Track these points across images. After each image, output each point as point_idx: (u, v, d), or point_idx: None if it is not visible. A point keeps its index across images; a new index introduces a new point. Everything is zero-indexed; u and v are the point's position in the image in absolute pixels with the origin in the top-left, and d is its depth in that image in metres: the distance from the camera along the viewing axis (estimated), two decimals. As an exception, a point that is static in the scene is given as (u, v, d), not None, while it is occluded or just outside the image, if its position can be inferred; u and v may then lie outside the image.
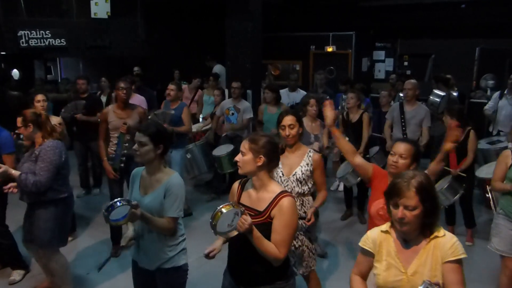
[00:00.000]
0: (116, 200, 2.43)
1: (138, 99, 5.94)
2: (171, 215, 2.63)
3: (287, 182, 3.27)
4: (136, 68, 8.68)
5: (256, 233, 2.23)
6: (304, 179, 3.29)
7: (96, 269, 4.51)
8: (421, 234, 2.04)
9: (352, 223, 5.71)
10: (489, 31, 9.73)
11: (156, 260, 2.72)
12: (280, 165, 3.20)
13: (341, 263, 4.70)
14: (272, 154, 2.38)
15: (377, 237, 2.16)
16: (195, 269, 4.38)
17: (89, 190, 6.71)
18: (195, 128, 6.70)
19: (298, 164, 3.28)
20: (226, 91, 6.93)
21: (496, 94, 6.91)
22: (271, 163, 2.39)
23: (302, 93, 7.13)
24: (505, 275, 3.59)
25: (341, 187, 6.59)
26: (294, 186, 3.28)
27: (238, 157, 2.39)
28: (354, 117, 5.59)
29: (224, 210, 2.16)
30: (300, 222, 3.19)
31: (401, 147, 2.76)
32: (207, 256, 2.48)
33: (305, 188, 3.31)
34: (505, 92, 6.68)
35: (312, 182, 3.36)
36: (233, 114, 6.20)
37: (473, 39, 10.01)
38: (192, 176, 6.36)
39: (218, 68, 9.33)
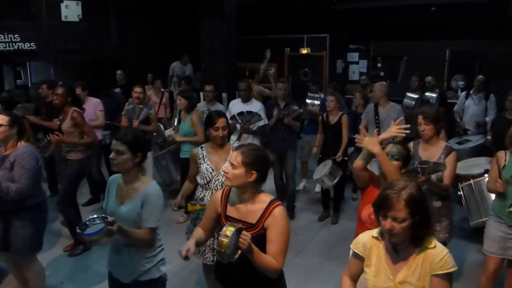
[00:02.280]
0: (91, 217, 2.34)
1: (92, 102, 5.91)
2: (149, 226, 2.54)
3: (217, 176, 3.43)
4: (119, 72, 8.56)
5: (256, 250, 2.17)
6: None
7: (69, 278, 4.40)
8: (412, 244, 2.02)
9: (329, 224, 5.74)
10: (459, 33, 9.96)
11: (132, 273, 2.62)
12: (208, 162, 3.45)
13: (317, 263, 4.71)
14: (264, 170, 2.34)
15: (368, 241, 2.15)
16: (174, 276, 4.32)
17: (55, 193, 6.54)
18: (169, 132, 6.61)
19: (225, 159, 3.44)
20: (201, 94, 6.87)
21: (463, 94, 7.12)
22: (262, 179, 2.35)
23: (256, 104, 5.93)
24: (485, 275, 3.62)
25: (318, 189, 6.64)
26: (224, 180, 3.35)
27: (228, 169, 2.32)
28: (334, 119, 5.62)
29: (228, 234, 2.06)
30: None
31: (393, 149, 2.91)
32: (186, 257, 2.35)
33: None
34: (471, 92, 6.88)
35: None
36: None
37: (444, 41, 10.21)
38: (162, 182, 6.23)
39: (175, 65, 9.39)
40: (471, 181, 4.51)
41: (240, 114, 5.53)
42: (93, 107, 5.86)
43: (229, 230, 2.06)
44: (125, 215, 2.53)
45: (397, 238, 1.98)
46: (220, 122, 3.44)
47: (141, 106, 5.64)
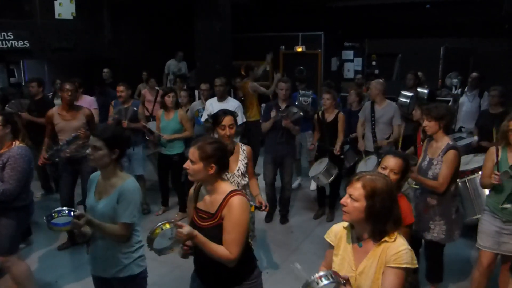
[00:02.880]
0: (59, 209, 2.44)
1: (86, 100, 5.89)
2: (123, 221, 2.56)
3: (233, 177, 3.46)
4: (105, 70, 8.51)
5: (200, 238, 2.22)
6: (245, 171, 3.60)
7: (64, 276, 4.38)
8: (372, 237, 2.05)
9: (324, 222, 5.74)
10: (453, 31, 10.00)
11: (110, 268, 2.65)
12: None
13: (313, 261, 4.70)
14: (222, 161, 2.36)
15: (339, 231, 2.20)
16: (167, 275, 4.33)
17: (48, 192, 6.57)
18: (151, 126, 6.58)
19: (238, 159, 3.50)
20: (196, 93, 6.86)
21: (458, 91, 7.15)
22: (223, 169, 2.38)
23: (233, 102, 5.87)
24: (479, 270, 3.63)
25: (313, 187, 6.65)
26: (240, 180, 3.49)
27: (188, 165, 2.35)
28: (330, 117, 5.62)
29: (158, 232, 2.23)
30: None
31: (392, 162, 2.86)
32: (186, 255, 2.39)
33: (246, 179, 3.61)
34: (465, 89, 6.91)
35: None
36: (202, 116, 6.13)
37: (438, 38, 10.25)
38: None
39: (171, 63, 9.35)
40: (465, 178, 4.53)
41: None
42: (87, 105, 5.82)
43: (157, 230, 2.23)
44: (101, 211, 2.57)
45: (347, 217, 2.05)
46: (226, 120, 3.43)
47: (126, 106, 5.63)
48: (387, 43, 11.43)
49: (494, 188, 3.49)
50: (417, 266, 2.02)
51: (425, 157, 3.74)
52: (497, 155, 3.46)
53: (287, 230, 5.47)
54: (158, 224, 2.22)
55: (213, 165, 2.31)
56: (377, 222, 2.01)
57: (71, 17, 8.37)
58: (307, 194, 6.76)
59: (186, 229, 2.19)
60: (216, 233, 2.26)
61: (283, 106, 5.37)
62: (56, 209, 2.45)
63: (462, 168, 4.80)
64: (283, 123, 5.23)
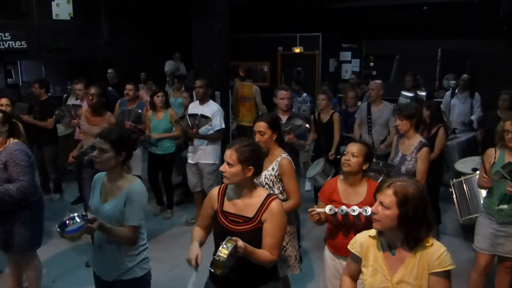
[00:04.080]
0: (70, 216, 2.34)
1: None
2: (131, 224, 2.53)
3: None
4: (110, 70, 8.50)
5: (249, 248, 2.18)
6: (267, 183, 3.23)
7: (61, 277, 4.37)
8: (406, 244, 2.00)
9: (321, 223, 5.73)
10: (450, 32, 10.02)
11: (114, 271, 2.62)
12: None
13: (312, 259, 4.73)
14: (259, 163, 2.37)
15: (365, 241, 2.12)
16: (165, 274, 4.32)
17: (46, 192, 6.48)
18: None
19: (266, 168, 3.18)
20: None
21: (448, 93, 7.18)
22: (258, 172, 2.38)
23: (213, 105, 5.39)
24: (476, 272, 3.66)
25: (308, 187, 6.67)
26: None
27: (224, 168, 2.32)
28: (325, 118, 5.62)
29: (223, 256, 2.06)
30: None
31: (353, 147, 2.92)
32: (197, 265, 2.25)
33: (275, 189, 3.26)
34: (456, 91, 6.94)
35: (281, 188, 3.27)
36: None
37: (436, 40, 10.26)
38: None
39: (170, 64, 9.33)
40: (462, 178, 4.56)
41: (192, 116, 5.08)
42: None
43: (223, 253, 2.06)
44: (108, 213, 2.54)
45: (378, 225, 2.00)
46: (257, 126, 3.27)
47: (130, 108, 5.63)
48: (384, 45, 11.43)
49: (490, 189, 3.52)
50: (454, 266, 1.97)
51: (397, 153, 4.00)
52: (495, 156, 3.49)
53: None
54: (223, 244, 2.10)
55: (251, 167, 2.30)
56: (410, 230, 1.95)
57: (68, 18, 8.38)
58: (303, 195, 6.74)
59: (242, 245, 2.12)
60: (253, 237, 2.25)
61: (284, 118, 4.60)
62: (68, 217, 2.36)
63: (465, 169, 4.87)
64: (286, 138, 4.33)
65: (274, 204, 2.30)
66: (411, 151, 3.88)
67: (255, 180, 2.43)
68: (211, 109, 5.26)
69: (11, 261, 3.75)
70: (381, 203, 1.97)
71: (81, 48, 8.73)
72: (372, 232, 2.12)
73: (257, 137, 3.26)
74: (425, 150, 3.82)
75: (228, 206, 2.40)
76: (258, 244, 2.27)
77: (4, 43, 7.79)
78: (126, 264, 2.61)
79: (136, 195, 2.54)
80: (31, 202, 3.51)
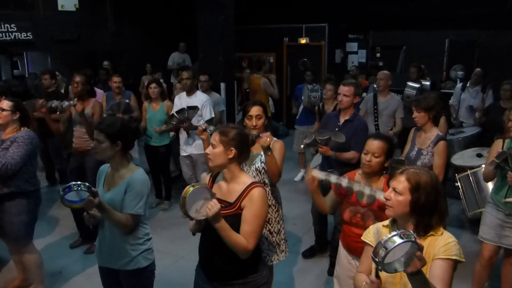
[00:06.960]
0: (75, 183, 2.39)
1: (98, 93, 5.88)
2: (129, 212, 2.55)
3: (247, 172, 3.21)
4: (105, 63, 8.51)
5: (224, 223, 2.20)
6: (264, 168, 3.20)
7: (68, 267, 4.42)
8: (416, 232, 1.97)
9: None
10: (458, 23, 9.91)
11: (118, 258, 2.65)
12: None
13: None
14: (242, 146, 2.36)
15: (378, 231, 2.14)
16: (170, 266, 4.35)
17: (52, 183, 6.61)
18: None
19: (260, 154, 3.19)
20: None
21: (459, 86, 7.08)
22: (242, 155, 2.38)
23: (201, 96, 5.34)
24: (480, 264, 3.64)
25: (299, 177, 6.81)
26: (254, 176, 3.18)
27: (209, 150, 2.36)
28: (329, 108, 5.60)
29: (195, 186, 2.17)
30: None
31: (374, 145, 2.74)
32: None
33: (266, 178, 3.24)
34: (467, 85, 6.83)
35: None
36: None
37: (443, 30, 10.17)
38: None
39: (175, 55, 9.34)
40: (468, 172, 4.52)
41: (179, 111, 5.03)
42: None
43: (196, 185, 2.20)
44: (109, 201, 2.56)
45: (391, 211, 2.01)
46: (254, 110, 3.25)
47: (117, 101, 5.64)
48: (391, 35, 11.34)
49: (496, 182, 3.49)
50: (463, 260, 1.94)
51: (414, 147, 3.85)
52: (502, 146, 3.47)
53: (290, 222, 5.48)
54: (191, 184, 2.21)
55: (232, 148, 2.31)
56: (422, 216, 1.95)
57: (74, 9, 8.38)
58: (293, 184, 6.77)
59: (218, 205, 2.16)
60: (232, 222, 2.24)
61: (342, 118, 4.09)
62: (73, 183, 2.39)
63: (470, 163, 4.81)
64: (319, 151, 4.00)
65: (255, 192, 2.29)
66: (428, 145, 3.72)
67: (249, 167, 2.44)
68: (200, 99, 5.27)
69: (12, 249, 3.80)
70: (394, 189, 1.98)
71: (86, 40, 8.73)
72: (386, 222, 2.14)
73: (254, 121, 3.23)
74: (442, 144, 3.65)
75: (215, 191, 2.40)
76: (237, 231, 2.27)
77: (10, 34, 7.82)
78: (129, 252, 2.63)
79: (136, 183, 2.57)
80: (29, 191, 3.57)
